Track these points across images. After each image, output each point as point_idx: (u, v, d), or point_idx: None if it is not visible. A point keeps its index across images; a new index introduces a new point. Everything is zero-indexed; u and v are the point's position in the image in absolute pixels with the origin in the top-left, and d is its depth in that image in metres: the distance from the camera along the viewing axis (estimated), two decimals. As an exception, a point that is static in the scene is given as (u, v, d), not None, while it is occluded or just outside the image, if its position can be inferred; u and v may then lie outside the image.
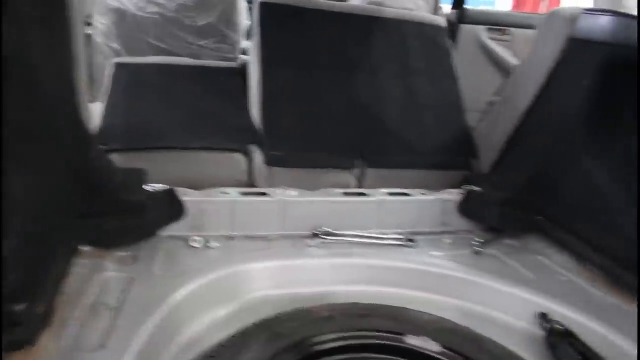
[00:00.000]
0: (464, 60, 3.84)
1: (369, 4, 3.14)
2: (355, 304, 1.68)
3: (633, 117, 2.09)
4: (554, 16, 2.39)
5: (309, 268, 1.89)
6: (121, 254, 1.79)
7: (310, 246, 1.99)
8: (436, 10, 3.79)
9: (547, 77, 2.32)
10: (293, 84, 2.60)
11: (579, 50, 2.21)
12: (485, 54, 3.98)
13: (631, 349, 1.65)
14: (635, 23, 2.08)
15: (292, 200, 2.07)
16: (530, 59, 2.48)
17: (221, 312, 1.67)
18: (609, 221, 2.04)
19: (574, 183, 2.17)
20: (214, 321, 1.63)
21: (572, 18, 2.27)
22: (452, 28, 3.96)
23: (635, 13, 2.24)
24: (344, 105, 2.60)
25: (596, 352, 1.65)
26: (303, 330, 1.54)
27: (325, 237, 2.03)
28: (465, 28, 4.03)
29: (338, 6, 2.88)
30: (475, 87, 3.14)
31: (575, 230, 2.14)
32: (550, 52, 2.31)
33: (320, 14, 2.79)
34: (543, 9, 7.98)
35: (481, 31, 4.04)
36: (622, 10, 2.25)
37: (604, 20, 2.16)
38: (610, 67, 2.09)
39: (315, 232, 2.04)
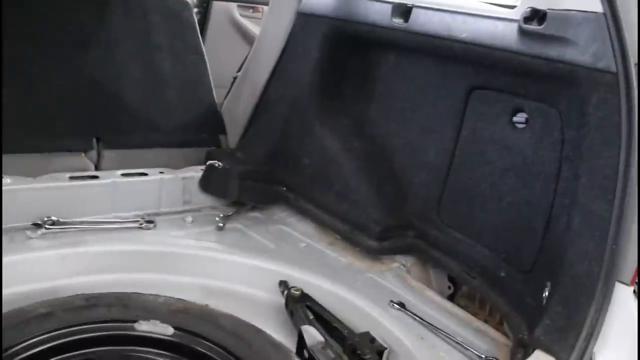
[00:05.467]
0: (215, 37, 3.85)
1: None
2: (78, 295, 1.53)
3: (355, 87, 2.23)
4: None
5: (30, 263, 1.70)
6: None
7: (31, 238, 1.80)
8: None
9: (281, 51, 2.37)
10: (13, 63, 2.30)
11: (306, 24, 2.28)
12: (237, 31, 3.97)
13: (356, 300, 1.78)
14: None
15: (4, 189, 1.83)
16: (264, 35, 2.51)
17: None
18: (341, 187, 2.15)
19: (310, 153, 2.25)
20: None
21: (298, -7, 2.33)
22: (204, 4, 3.90)
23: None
24: (75, 83, 2.36)
25: (329, 310, 1.74)
26: (13, 333, 1.36)
27: (50, 227, 1.85)
28: (217, 4, 3.98)
29: None
30: (227, 63, 3.11)
31: (313, 198, 2.23)
32: (281, 27, 2.37)
33: None
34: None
35: (233, 8, 4.03)
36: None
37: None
38: (332, 39, 2.20)
39: (38, 222, 1.84)
